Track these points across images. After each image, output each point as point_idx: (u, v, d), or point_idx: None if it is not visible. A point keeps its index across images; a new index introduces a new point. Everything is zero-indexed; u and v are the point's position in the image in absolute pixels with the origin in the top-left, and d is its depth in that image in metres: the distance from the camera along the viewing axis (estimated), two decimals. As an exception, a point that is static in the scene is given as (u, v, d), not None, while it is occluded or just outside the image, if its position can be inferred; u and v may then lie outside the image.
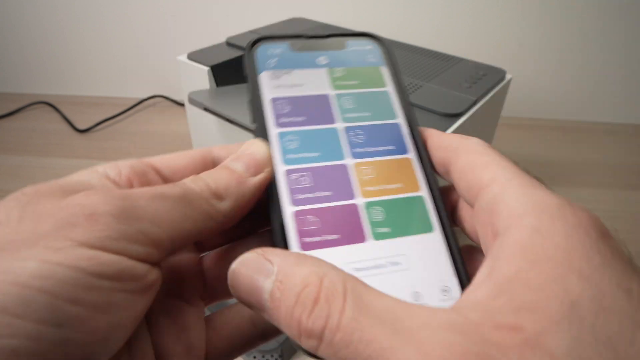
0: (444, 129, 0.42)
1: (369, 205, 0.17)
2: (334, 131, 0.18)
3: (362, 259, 0.16)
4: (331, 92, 0.19)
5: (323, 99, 0.18)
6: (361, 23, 0.83)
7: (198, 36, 0.88)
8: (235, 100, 0.53)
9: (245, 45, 0.20)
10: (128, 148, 0.79)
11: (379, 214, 0.17)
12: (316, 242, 0.16)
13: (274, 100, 0.18)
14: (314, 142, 0.18)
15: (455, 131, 0.43)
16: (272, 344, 0.42)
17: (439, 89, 0.48)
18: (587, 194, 0.70)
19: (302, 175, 0.17)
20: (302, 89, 0.19)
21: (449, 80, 0.50)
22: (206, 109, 0.50)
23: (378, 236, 0.17)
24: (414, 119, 0.19)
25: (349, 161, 0.18)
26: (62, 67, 0.95)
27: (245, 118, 0.48)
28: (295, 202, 0.17)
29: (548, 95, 0.89)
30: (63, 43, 0.92)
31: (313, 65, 0.19)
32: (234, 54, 0.57)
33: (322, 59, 0.20)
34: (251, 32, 0.63)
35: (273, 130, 0.18)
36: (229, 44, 0.60)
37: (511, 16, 0.81)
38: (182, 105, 0.94)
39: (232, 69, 0.56)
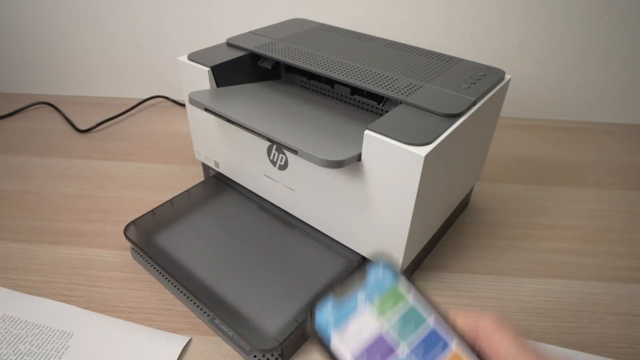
0: (444, 129, 0.42)
1: None
2: None
3: None
4: (383, 328, 0.23)
5: (380, 337, 0.22)
6: (361, 24, 0.83)
7: (198, 37, 0.88)
8: (235, 101, 0.53)
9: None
10: (128, 148, 0.79)
11: None
12: None
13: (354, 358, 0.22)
14: None
15: (455, 131, 0.43)
16: (272, 342, 0.42)
17: (438, 90, 0.48)
18: (587, 193, 0.70)
19: None
20: (363, 335, 0.22)
21: (449, 80, 0.50)
22: (206, 109, 0.50)
23: None
24: (442, 310, 0.23)
25: None
26: (63, 68, 0.95)
27: (245, 118, 0.48)
28: None
29: (548, 95, 0.89)
30: (64, 44, 0.92)
31: (356, 307, 0.23)
32: (234, 54, 0.57)
33: (360, 297, 0.23)
34: (251, 32, 0.63)
35: None
36: (229, 44, 0.60)
37: (511, 16, 0.81)
38: (182, 105, 0.94)
39: (233, 70, 0.57)
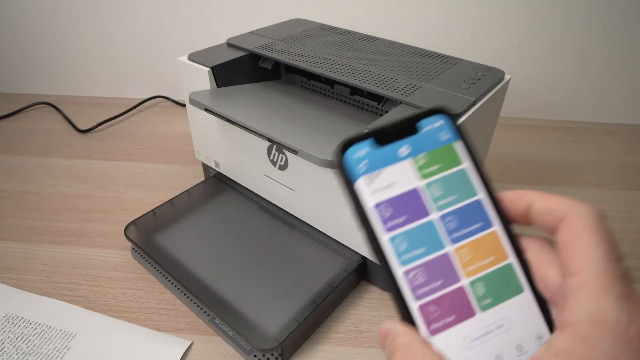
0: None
1: (473, 283, 0.20)
2: (431, 224, 0.20)
3: (475, 330, 0.19)
4: (420, 184, 0.20)
5: (415, 194, 0.20)
6: (361, 24, 0.83)
7: (198, 37, 0.88)
8: (235, 101, 0.53)
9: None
10: (128, 148, 0.79)
11: (481, 289, 0.20)
12: (440, 326, 0.19)
13: (376, 207, 0.20)
14: (418, 238, 0.20)
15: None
16: (272, 342, 0.42)
17: (438, 90, 0.48)
18: (587, 194, 0.70)
19: (417, 272, 0.20)
20: (395, 188, 0.20)
21: (448, 81, 0.50)
22: (207, 110, 0.50)
23: (484, 307, 0.20)
24: (493, 189, 0.21)
25: (449, 248, 0.20)
26: (63, 68, 0.95)
27: (245, 118, 0.48)
28: (418, 297, 0.19)
29: (548, 95, 0.89)
30: (64, 44, 0.92)
31: (397, 158, 0.21)
32: (235, 54, 0.57)
33: (404, 149, 0.21)
34: (251, 32, 0.63)
35: (383, 237, 0.20)
36: (230, 44, 0.60)
37: (511, 16, 0.81)
38: (183, 105, 0.94)
39: (233, 70, 0.57)
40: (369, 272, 0.53)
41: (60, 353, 0.44)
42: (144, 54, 0.92)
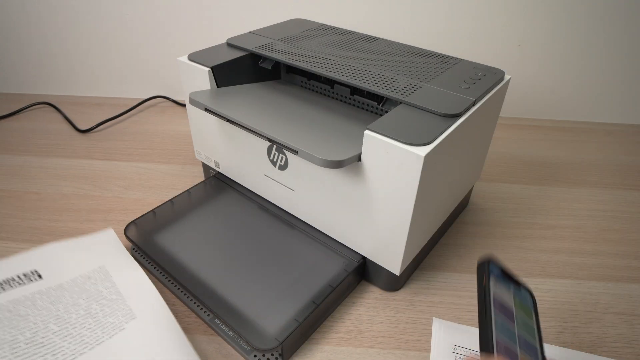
0: (444, 129, 0.42)
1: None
2: (513, 333, 0.32)
3: None
4: (515, 310, 0.34)
5: (510, 311, 0.34)
6: (361, 24, 0.83)
7: (198, 37, 0.88)
8: (235, 101, 0.53)
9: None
10: (128, 148, 0.79)
11: None
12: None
13: (494, 298, 0.33)
14: (507, 330, 0.32)
15: (455, 131, 0.43)
16: (272, 342, 0.42)
17: (438, 90, 0.48)
18: (586, 193, 0.71)
19: (502, 340, 0.31)
20: (503, 300, 0.34)
21: (448, 81, 0.50)
22: (207, 110, 0.50)
23: None
24: (543, 349, 0.34)
25: (516, 347, 0.32)
26: (63, 68, 0.95)
27: (245, 118, 0.48)
28: (497, 349, 0.30)
29: (548, 96, 0.89)
30: (64, 44, 0.92)
31: (507, 290, 0.35)
32: (235, 54, 0.57)
33: (510, 290, 0.35)
34: (251, 32, 0.63)
35: (493, 314, 0.32)
36: (230, 44, 0.60)
37: (511, 16, 0.81)
38: (183, 105, 0.94)
39: (233, 70, 0.57)
40: (369, 272, 0.53)
41: (113, 331, 0.43)
42: (144, 54, 0.92)
